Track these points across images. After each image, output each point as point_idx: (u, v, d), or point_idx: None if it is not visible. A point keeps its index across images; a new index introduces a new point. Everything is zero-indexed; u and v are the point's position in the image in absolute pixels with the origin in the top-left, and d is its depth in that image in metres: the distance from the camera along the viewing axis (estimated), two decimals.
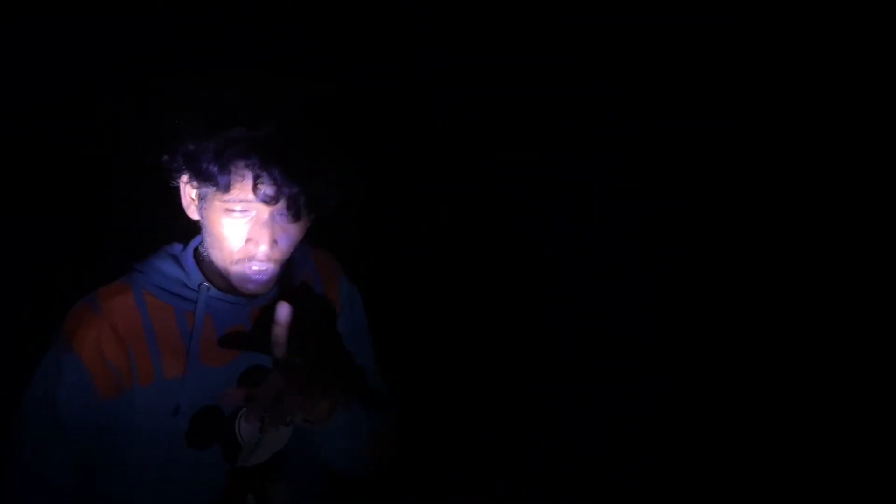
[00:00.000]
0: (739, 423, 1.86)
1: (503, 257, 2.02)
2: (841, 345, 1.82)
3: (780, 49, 1.84)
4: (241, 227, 1.08)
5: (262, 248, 1.07)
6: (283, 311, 1.02)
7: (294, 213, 1.06)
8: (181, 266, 1.16)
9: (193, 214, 1.12)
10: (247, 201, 1.05)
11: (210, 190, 1.06)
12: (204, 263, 1.16)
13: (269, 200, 1.04)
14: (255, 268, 1.09)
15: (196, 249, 1.17)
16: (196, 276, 1.15)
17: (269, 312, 1.08)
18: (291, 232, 1.10)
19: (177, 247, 1.18)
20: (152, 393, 1.10)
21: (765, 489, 1.81)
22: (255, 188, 1.03)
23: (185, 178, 1.09)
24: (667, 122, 1.94)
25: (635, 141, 1.96)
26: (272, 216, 1.07)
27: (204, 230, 1.12)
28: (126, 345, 1.10)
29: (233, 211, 1.06)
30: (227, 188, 1.03)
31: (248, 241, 1.08)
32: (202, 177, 1.04)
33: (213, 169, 1.03)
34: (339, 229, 1.26)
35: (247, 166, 1.02)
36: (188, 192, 1.11)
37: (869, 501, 1.72)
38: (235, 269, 1.10)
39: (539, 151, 2.00)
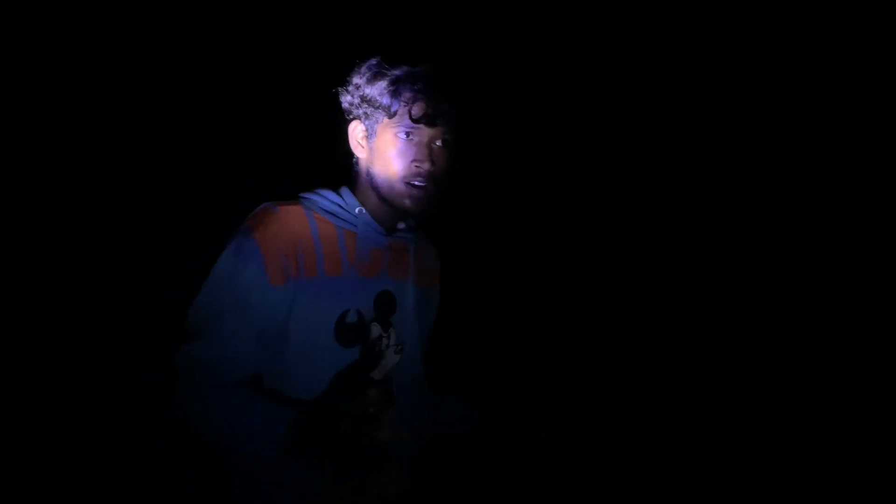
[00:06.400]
0: (739, 424, 1.87)
1: (500, 255, 2.02)
2: (840, 345, 1.83)
3: (779, 48, 1.85)
4: (409, 149, 1.37)
5: (425, 166, 1.36)
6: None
7: (447, 136, 1.37)
8: (340, 196, 1.42)
9: (361, 152, 1.42)
10: (412, 126, 1.35)
11: (380, 123, 1.38)
12: (360, 196, 1.43)
13: (428, 121, 1.35)
14: (416, 183, 1.37)
15: (351, 188, 1.44)
16: (353, 202, 1.42)
17: (401, 246, 1.45)
18: (445, 157, 1.39)
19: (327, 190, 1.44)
20: (315, 285, 1.35)
21: (765, 489, 1.81)
22: (415, 111, 1.34)
23: (356, 121, 1.41)
24: (665, 122, 1.94)
25: (635, 141, 1.96)
26: (431, 140, 1.38)
27: (371, 162, 1.40)
28: (296, 240, 1.35)
29: (401, 135, 1.36)
30: (394, 113, 1.35)
31: (412, 161, 1.37)
32: (378, 106, 1.36)
33: (387, 99, 1.35)
34: None
35: (412, 93, 1.35)
36: (356, 134, 1.41)
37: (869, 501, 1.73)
38: (400, 185, 1.37)
39: (539, 151, 2.00)
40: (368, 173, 1.41)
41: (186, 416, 1.33)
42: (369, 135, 1.40)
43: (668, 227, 1.94)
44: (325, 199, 1.42)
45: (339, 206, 1.42)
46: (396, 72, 1.36)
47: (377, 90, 1.37)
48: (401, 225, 1.47)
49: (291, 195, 1.43)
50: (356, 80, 1.40)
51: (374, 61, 1.39)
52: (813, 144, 1.85)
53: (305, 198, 1.42)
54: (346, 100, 1.42)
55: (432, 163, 1.37)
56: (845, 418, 1.80)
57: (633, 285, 1.96)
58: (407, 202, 1.38)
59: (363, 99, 1.39)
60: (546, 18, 1.94)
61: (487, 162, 1.94)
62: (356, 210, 1.41)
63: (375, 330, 1.37)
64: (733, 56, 1.87)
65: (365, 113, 1.39)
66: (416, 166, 1.37)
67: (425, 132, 1.37)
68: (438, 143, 1.38)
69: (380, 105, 1.37)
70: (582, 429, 1.92)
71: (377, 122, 1.38)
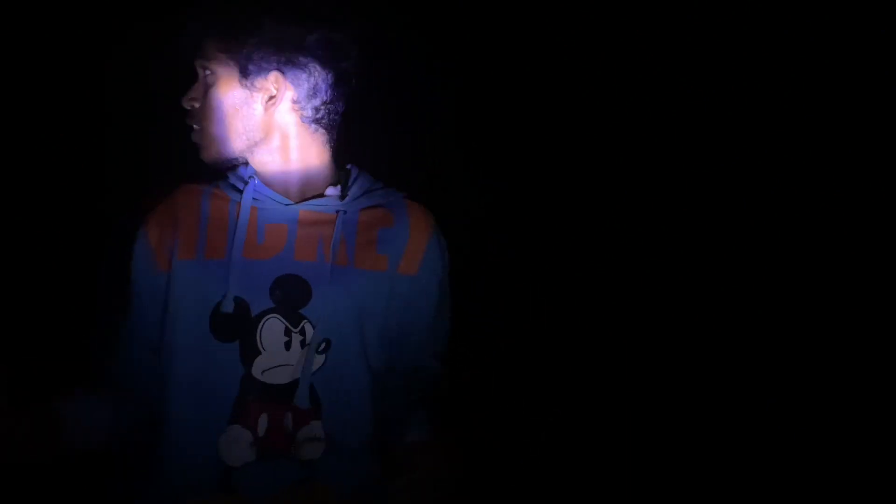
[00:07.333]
0: (739, 424, 1.87)
1: (500, 255, 2.01)
2: (840, 345, 1.83)
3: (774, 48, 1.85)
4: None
5: (186, 106, 1.21)
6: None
7: (205, 70, 1.18)
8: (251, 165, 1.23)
9: None
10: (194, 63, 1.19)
11: None
12: None
13: (186, 49, 1.17)
14: (191, 126, 1.22)
15: None
16: (250, 169, 1.21)
17: (319, 218, 1.19)
18: (214, 97, 1.18)
19: None
20: (192, 269, 1.15)
21: (765, 489, 1.81)
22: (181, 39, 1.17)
23: None
24: (665, 122, 1.94)
25: (635, 140, 1.96)
26: (203, 80, 1.19)
27: None
28: (179, 219, 1.17)
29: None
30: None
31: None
32: None
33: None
34: None
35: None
36: None
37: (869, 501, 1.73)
38: None
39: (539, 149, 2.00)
40: None
41: None
42: None
43: (668, 227, 1.94)
44: (233, 172, 1.21)
45: (240, 176, 1.21)
46: None
47: None
48: (330, 190, 1.23)
49: None
50: None
51: None
52: (813, 144, 1.86)
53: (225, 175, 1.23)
54: None
55: (191, 101, 1.20)
56: (845, 418, 1.80)
57: (634, 285, 1.96)
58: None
59: None
60: (547, 18, 1.94)
61: (487, 162, 1.95)
62: (247, 177, 1.20)
63: (274, 325, 1.15)
64: (733, 56, 1.87)
65: None
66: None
67: (198, 68, 1.20)
68: (203, 78, 1.19)
69: None
70: (582, 429, 1.91)
71: None
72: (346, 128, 1.28)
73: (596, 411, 1.92)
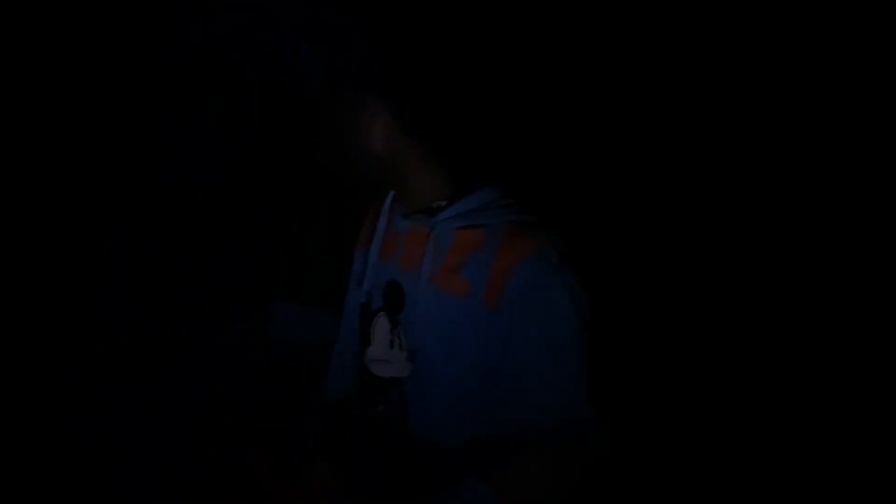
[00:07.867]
0: (739, 424, 1.87)
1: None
2: (840, 345, 1.83)
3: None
4: None
5: None
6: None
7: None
8: None
9: None
10: None
11: None
12: None
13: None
14: None
15: None
16: None
17: (417, 232, 1.21)
18: None
19: None
20: (358, 258, 1.36)
21: (765, 489, 1.81)
22: None
23: None
24: (666, 121, 1.94)
25: (636, 140, 1.96)
26: None
27: None
28: (375, 215, 1.33)
29: None
30: None
31: None
32: None
33: None
34: None
35: None
36: None
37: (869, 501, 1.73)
38: None
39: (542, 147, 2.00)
40: None
41: None
42: None
43: (668, 227, 1.94)
44: None
45: None
46: None
47: None
48: (434, 205, 1.21)
49: None
50: None
51: None
52: (813, 144, 1.86)
53: None
54: None
55: None
56: (845, 418, 1.80)
57: (634, 285, 1.96)
58: None
59: None
60: (547, 17, 1.95)
61: (487, 160, 1.94)
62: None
63: (383, 323, 1.26)
64: (733, 56, 1.87)
65: None
66: None
67: None
68: None
69: None
70: None
71: None
72: (479, 140, 1.25)
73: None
